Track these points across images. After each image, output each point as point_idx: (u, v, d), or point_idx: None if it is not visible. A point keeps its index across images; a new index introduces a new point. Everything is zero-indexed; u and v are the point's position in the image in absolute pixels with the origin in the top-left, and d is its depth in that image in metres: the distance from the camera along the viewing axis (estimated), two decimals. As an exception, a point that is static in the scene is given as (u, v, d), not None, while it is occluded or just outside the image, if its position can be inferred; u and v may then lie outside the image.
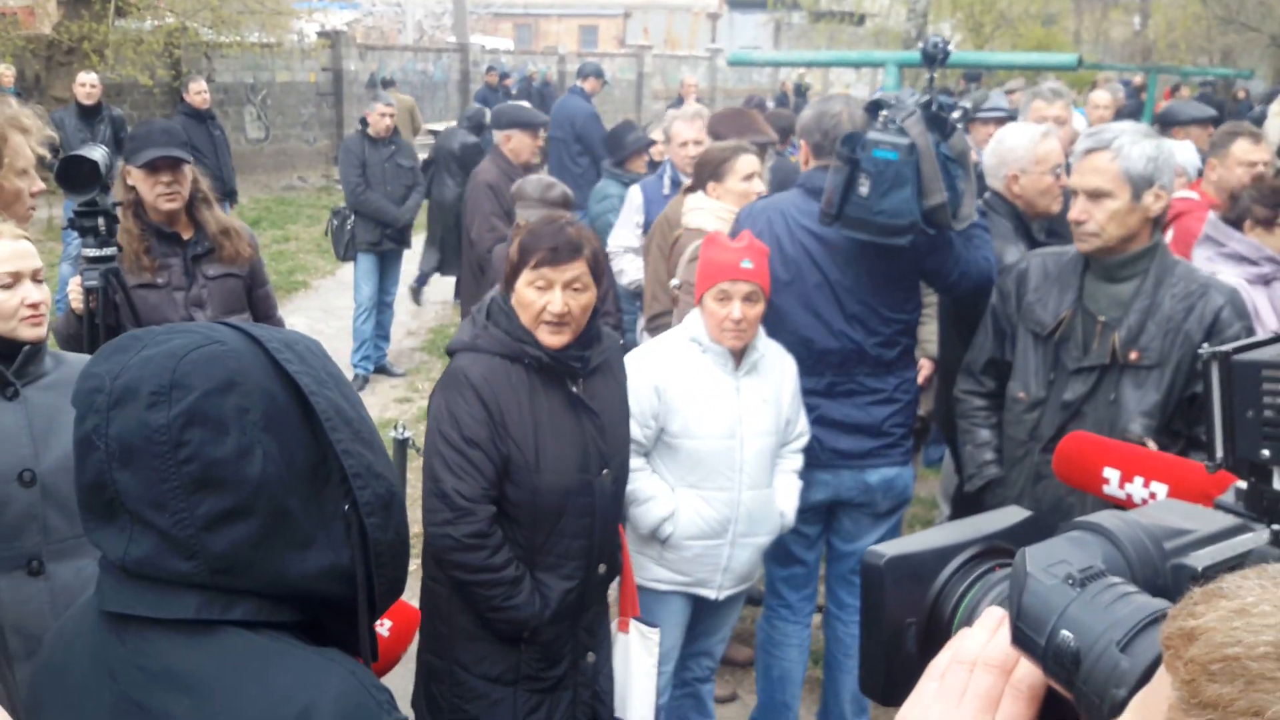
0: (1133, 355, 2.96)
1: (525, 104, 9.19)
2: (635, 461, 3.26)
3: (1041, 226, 4.25)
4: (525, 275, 2.78)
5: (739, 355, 3.36)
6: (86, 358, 2.84)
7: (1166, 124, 6.82)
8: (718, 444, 3.33)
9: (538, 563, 2.82)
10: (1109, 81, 12.71)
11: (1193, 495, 2.09)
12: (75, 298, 3.40)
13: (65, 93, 12.85)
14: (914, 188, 3.31)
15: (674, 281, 4.27)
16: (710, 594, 3.43)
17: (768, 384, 3.41)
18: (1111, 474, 2.33)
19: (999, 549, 1.07)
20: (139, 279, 3.79)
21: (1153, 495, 2.22)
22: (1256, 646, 0.67)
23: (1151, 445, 2.94)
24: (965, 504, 3.61)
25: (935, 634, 1.04)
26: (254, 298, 4.10)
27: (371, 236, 8.13)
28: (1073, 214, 3.07)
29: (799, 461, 3.56)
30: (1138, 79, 15.96)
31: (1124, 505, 2.24)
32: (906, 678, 1.03)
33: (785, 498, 3.50)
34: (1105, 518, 0.96)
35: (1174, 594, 0.86)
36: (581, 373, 2.85)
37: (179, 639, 1.22)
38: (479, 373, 2.75)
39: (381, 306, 8.46)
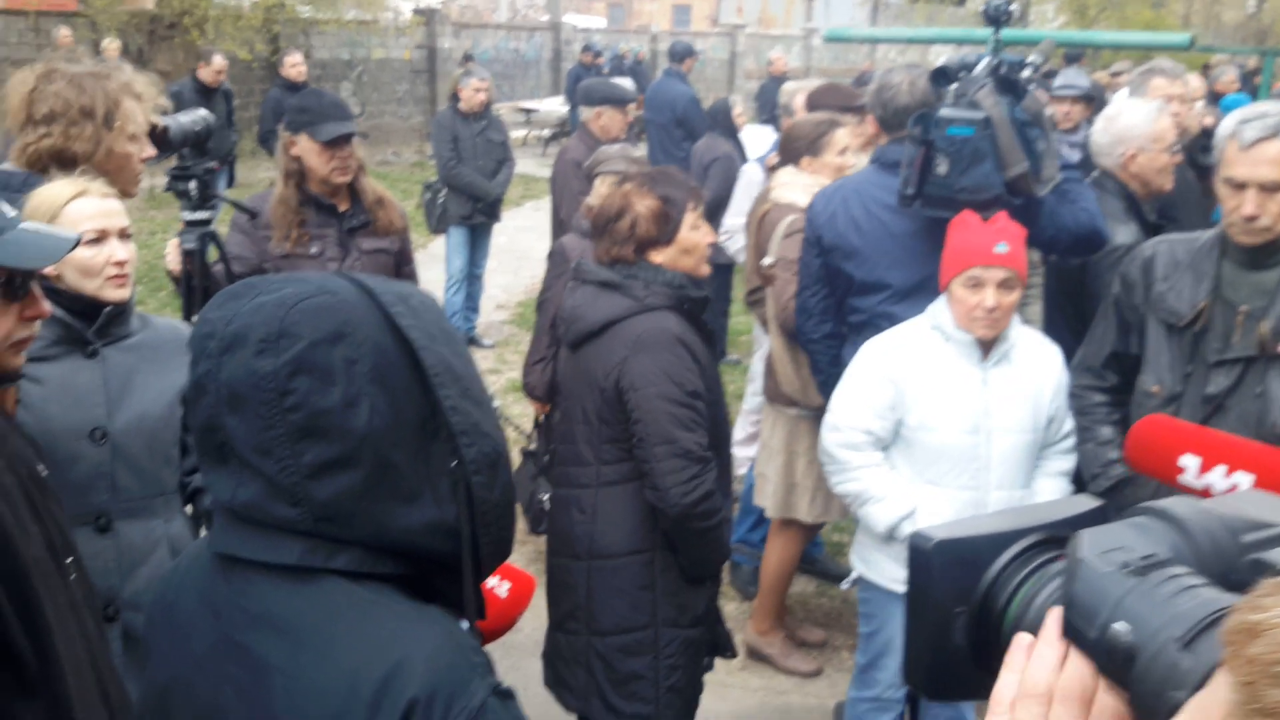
0: None
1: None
2: (869, 456, 3.22)
3: (1152, 207, 4.11)
4: (689, 218, 2.95)
5: (987, 345, 3.14)
6: (174, 321, 2.91)
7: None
8: (960, 439, 3.14)
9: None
10: (1221, 64, 12.27)
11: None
12: (173, 259, 3.44)
13: (167, 65, 13.16)
14: (993, 160, 3.20)
15: (766, 260, 4.19)
16: None
17: (1022, 377, 3.18)
18: (1190, 462, 2.17)
19: (1062, 539, 0.98)
20: (288, 249, 3.81)
21: (1234, 487, 2.08)
22: None
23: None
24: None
25: (986, 626, 0.97)
26: (401, 275, 4.08)
27: (463, 210, 8.19)
28: (1247, 210, 2.83)
29: (1067, 463, 3.28)
30: (1252, 62, 15.38)
31: (1204, 497, 2.09)
32: (953, 670, 0.98)
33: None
34: (1176, 504, 0.87)
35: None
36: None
37: (281, 584, 1.22)
38: (673, 328, 2.87)
39: (471, 279, 8.53)
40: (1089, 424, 3.25)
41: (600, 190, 4.40)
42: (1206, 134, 5.27)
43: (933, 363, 3.15)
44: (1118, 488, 3.15)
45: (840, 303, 3.73)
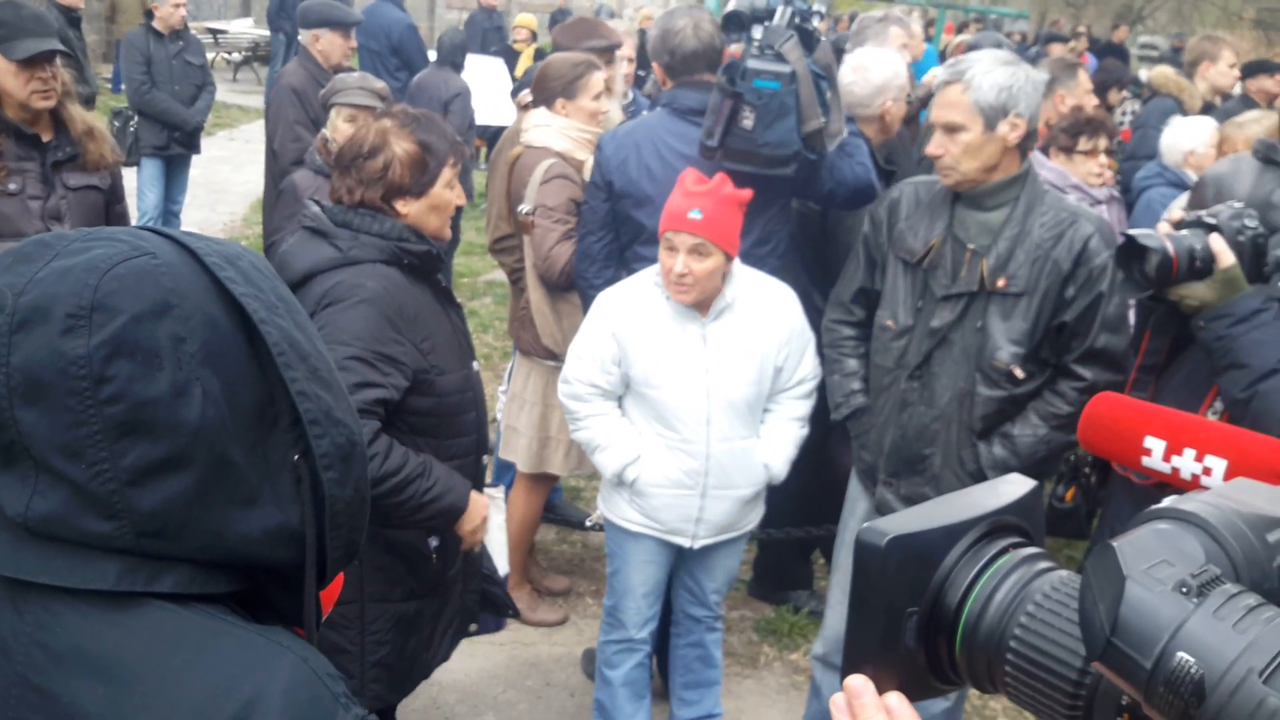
0: (1000, 282, 2.97)
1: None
2: (597, 406, 3.22)
3: (882, 153, 4.26)
4: (446, 174, 2.70)
5: (705, 303, 3.16)
6: None
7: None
8: (681, 394, 3.16)
9: (413, 524, 2.74)
10: (900, 18, 12.99)
11: (1259, 473, 1.98)
12: None
13: None
14: (796, 116, 3.22)
15: (523, 207, 4.03)
16: (684, 542, 3.29)
17: (744, 332, 3.20)
18: (1155, 444, 2.22)
19: (1009, 525, 0.95)
20: None
21: (1207, 471, 2.12)
22: None
23: (1019, 373, 2.99)
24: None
25: (939, 625, 0.92)
26: (112, 214, 3.67)
27: (158, 140, 7.53)
28: (930, 149, 3.05)
29: (799, 409, 3.34)
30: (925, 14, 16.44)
31: (1169, 481, 2.14)
32: (901, 672, 0.92)
33: (773, 449, 3.31)
34: (1193, 504, 0.79)
35: None
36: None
37: (92, 613, 1.00)
38: (372, 285, 2.58)
39: (168, 216, 7.88)
40: (837, 356, 3.40)
41: (336, 123, 4.10)
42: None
43: (655, 319, 3.17)
44: (855, 415, 3.34)
45: (625, 248, 3.65)
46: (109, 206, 3.65)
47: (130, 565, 1.00)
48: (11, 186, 3.39)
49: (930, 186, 3.19)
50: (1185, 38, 18.84)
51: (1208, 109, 6.32)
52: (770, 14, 3.32)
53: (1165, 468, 2.16)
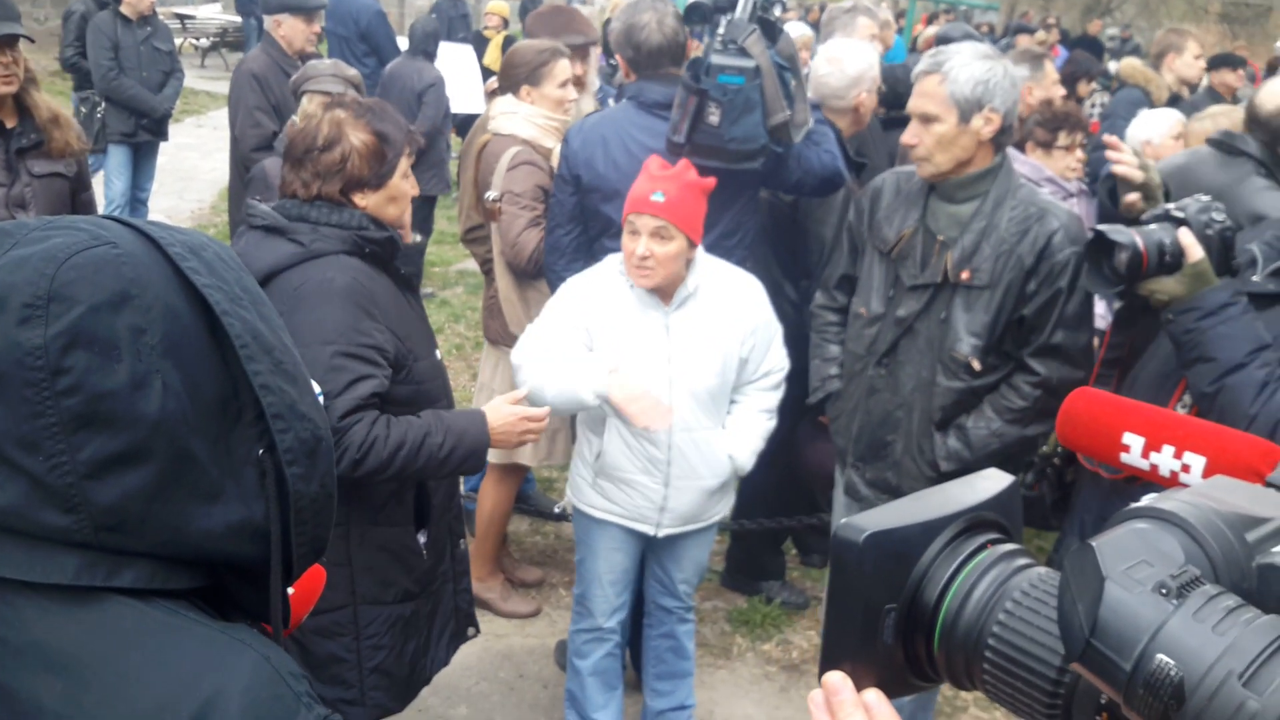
0: (964, 275, 2.99)
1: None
2: (547, 355, 3.17)
3: (853, 144, 4.26)
4: (403, 164, 2.65)
5: (668, 292, 3.14)
6: None
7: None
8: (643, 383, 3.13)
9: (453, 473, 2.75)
10: (868, 8, 13.02)
11: (1237, 470, 1.97)
12: None
13: None
14: (762, 110, 3.22)
15: (490, 194, 4.01)
16: (649, 530, 3.28)
17: (708, 322, 3.18)
18: (1133, 440, 2.21)
19: (987, 521, 0.94)
20: None
21: (1185, 468, 2.12)
22: None
23: (976, 365, 3.00)
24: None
25: (917, 622, 0.91)
26: (78, 202, 3.62)
27: (125, 126, 7.45)
28: (905, 138, 3.07)
29: (767, 400, 3.32)
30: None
31: (1148, 478, 2.14)
32: (879, 669, 0.92)
33: (739, 441, 3.29)
34: (1173, 503, 0.78)
35: (1263, 601, 0.73)
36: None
37: (51, 608, 0.98)
38: (339, 278, 2.53)
39: (135, 204, 7.80)
40: (819, 341, 3.45)
41: (307, 109, 4.05)
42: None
43: (618, 308, 3.16)
44: (829, 399, 3.39)
45: (593, 241, 3.64)
46: (75, 194, 3.61)
47: (89, 559, 0.99)
48: None
49: (910, 176, 3.21)
50: (1129, 29, 18.95)
51: (1174, 100, 6.36)
52: (732, 5, 3.32)
53: (1144, 464, 2.16)
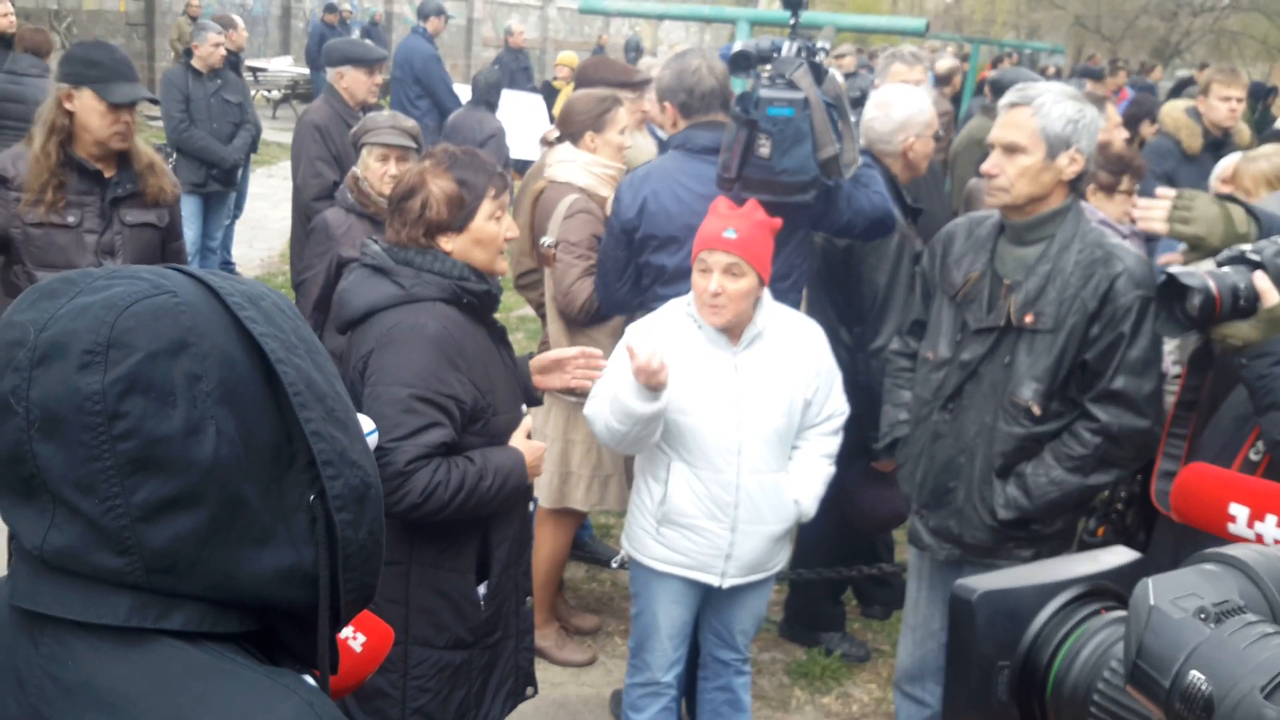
0: (1028, 319, 2.96)
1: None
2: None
3: (909, 190, 4.25)
4: (486, 207, 2.71)
5: (737, 331, 3.15)
6: None
7: (999, 90, 6.94)
8: (712, 424, 3.13)
9: (495, 512, 2.73)
10: (936, 51, 13.01)
11: None
12: None
13: None
14: (812, 142, 3.23)
15: (546, 240, 4.05)
16: (713, 580, 3.24)
17: (775, 362, 3.19)
18: (1239, 511, 2.22)
19: (1105, 590, 0.98)
20: (40, 216, 3.41)
21: None
22: None
23: (1036, 410, 2.95)
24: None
25: (1030, 681, 0.95)
26: (168, 251, 3.73)
27: (196, 177, 7.64)
28: (986, 166, 3.03)
29: (828, 445, 3.31)
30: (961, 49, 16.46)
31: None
32: None
33: (803, 485, 3.27)
34: (1241, 550, 0.87)
35: None
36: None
37: (103, 648, 1.00)
38: (432, 324, 2.60)
39: (205, 252, 8.00)
40: (892, 386, 3.44)
41: (368, 162, 4.13)
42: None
43: (686, 348, 3.15)
44: (895, 444, 3.37)
45: (645, 290, 3.66)
46: (165, 244, 3.72)
47: (141, 601, 1.01)
48: (70, 219, 3.48)
49: (982, 221, 3.19)
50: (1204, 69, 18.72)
51: (1215, 145, 6.20)
52: (776, 53, 3.36)
53: (1250, 534, 2.18)
